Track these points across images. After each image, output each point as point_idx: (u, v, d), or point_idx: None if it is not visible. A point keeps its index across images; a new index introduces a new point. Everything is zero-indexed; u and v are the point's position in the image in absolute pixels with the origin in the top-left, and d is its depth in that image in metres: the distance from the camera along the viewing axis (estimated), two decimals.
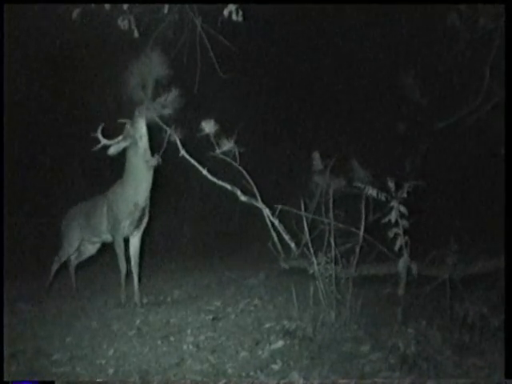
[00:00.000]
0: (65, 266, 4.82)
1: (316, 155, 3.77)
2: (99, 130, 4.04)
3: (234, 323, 3.62)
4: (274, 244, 4.02)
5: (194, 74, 4.24)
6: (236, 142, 3.90)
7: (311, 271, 3.47)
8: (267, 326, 3.47)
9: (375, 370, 2.73)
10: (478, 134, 4.70)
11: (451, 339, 2.94)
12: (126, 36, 3.59)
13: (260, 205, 3.98)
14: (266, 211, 3.95)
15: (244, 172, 3.98)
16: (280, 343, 3.15)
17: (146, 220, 4.33)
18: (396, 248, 3.16)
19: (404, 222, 3.14)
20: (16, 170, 5.73)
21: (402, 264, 3.20)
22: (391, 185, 3.18)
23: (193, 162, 4.04)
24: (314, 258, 3.44)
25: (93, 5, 3.38)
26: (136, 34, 3.60)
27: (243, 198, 4.01)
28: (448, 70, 4.82)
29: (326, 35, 5.74)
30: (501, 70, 3.31)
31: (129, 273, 4.34)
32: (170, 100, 3.99)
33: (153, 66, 3.94)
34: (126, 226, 4.26)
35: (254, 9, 3.64)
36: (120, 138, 4.10)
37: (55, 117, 6.56)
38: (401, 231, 3.13)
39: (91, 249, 4.84)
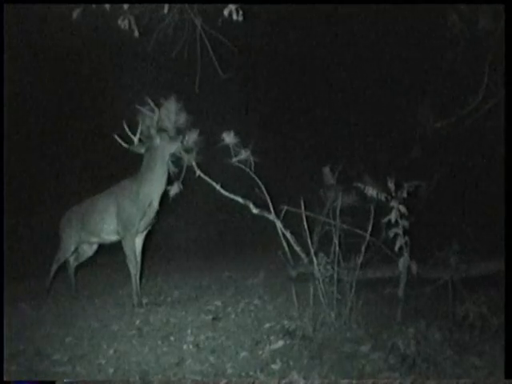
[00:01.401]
0: (64, 267, 4.81)
1: (326, 170, 3.80)
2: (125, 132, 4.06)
3: (234, 323, 3.62)
4: (284, 253, 4.04)
5: (194, 73, 4.24)
6: (252, 152, 3.98)
7: (316, 275, 3.47)
8: (267, 325, 3.47)
9: (375, 369, 2.73)
10: (477, 133, 4.70)
11: (451, 339, 2.94)
12: (126, 36, 3.59)
13: (272, 217, 4.01)
14: (278, 223, 3.98)
15: (258, 181, 4.00)
16: (280, 343, 3.15)
17: (154, 220, 4.34)
18: (396, 248, 3.16)
19: (404, 222, 3.14)
20: (16, 170, 5.72)
21: (402, 264, 3.20)
22: (391, 185, 3.18)
23: (208, 180, 4.11)
24: (315, 264, 3.44)
25: (93, 5, 3.38)
26: (136, 34, 3.60)
27: (255, 210, 4.06)
28: (448, 70, 4.81)
29: (325, 35, 5.75)
30: (500, 70, 3.31)
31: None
32: (191, 143, 4.09)
33: (170, 113, 4.04)
34: (140, 226, 4.25)
35: (254, 9, 3.64)
36: (138, 144, 4.13)
37: (55, 116, 6.56)
38: (401, 231, 3.13)
39: (89, 250, 4.83)
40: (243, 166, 3.99)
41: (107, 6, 3.34)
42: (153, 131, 4.11)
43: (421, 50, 5.14)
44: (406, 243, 3.15)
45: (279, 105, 6.67)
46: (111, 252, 4.86)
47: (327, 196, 3.80)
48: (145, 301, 4.31)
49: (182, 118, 4.12)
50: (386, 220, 3.17)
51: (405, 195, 3.16)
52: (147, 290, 4.68)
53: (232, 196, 4.10)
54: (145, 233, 4.40)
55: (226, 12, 3.31)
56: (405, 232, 3.14)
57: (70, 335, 3.54)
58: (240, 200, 4.09)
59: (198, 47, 4.06)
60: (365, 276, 3.65)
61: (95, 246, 4.82)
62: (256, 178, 4.01)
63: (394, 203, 3.15)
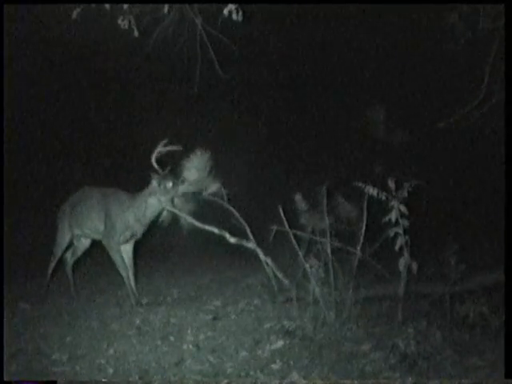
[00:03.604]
0: (62, 265, 4.80)
1: (298, 197, 3.76)
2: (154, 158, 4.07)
3: (234, 323, 3.62)
4: (268, 279, 3.99)
5: (194, 73, 4.24)
6: (223, 184, 4.00)
7: (309, 298, 3.47)
8: (267, 326, 3.47)
9: (375, 369, 2.73)
10: (477, 133, 4.70)
11: (451, 339, 2.94)
12: (126, 36, 3.59)
13: (251, 245, 3.94)
14: (259, 251, 3.92)
15: (234, 211, 3.99)
16: (280, 343, 3.15)
17: (143, 232, 4.35)
18: (396, 248, 3.15)
19: (404, 222, 3.14)
20: (16, 170, 5.73)
21: (402, 263, 3.19)
22: (391, 185, 3.18)
23: (177, 212, 4.13)
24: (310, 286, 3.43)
25: (93, 5, 3.37)
26: (136, 34, 3.60)
27: (232, 240, 3.99)
28: (448, 69, 4.82)
29: (325, 35, 5.75)
30: (501, 70, 3.31)
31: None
32: (180, 193, 4.12)
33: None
34: (120, 240, 4.29)
35: (254, 9, 3.64)
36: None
37: (55, 116, 6.56)
38: (401, 231, 3.13)
39: (85, 243, 4.80)
40: (216, 199, 4.00)
41: (107, 6, 3.34)
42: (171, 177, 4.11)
43: (421, 50, 5.15)
44: (406, 243, 3.14)
45: (276, 105, 6.67)
46: None
47: (306, 221, 3.74)
48: (145, 301, 4.31)
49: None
50: (386, 219, 3.17)
51: (405, 195, 3.16)
52: (147, 290, 4.67)
53: (206, 227, 4.07)
54: (134, 240, 4.39)
55: (225, 12, 3.31)
56: (405, 231, 3.14)
57: (70, 335, 3.54)
58: (215, 230, 4.05)
59: (197, 47, 4.06)
60: (358, 295, 3.59)
61: (89, 240, 4.80)
62: (231, 208, 3.99)
63: (394, 202, 3.15)
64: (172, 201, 4.15)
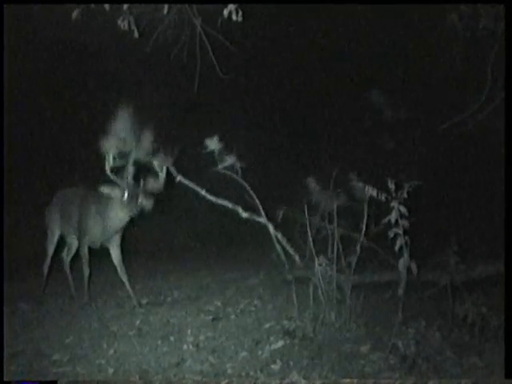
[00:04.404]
0: (60, 265, 4.80)
1: (310, 180, 3.77)
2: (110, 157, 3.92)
3: (234, 323, 3.62)
4: (278, 256, 4.01)
5: (194, 73, 4.24)
6: (238, 157, 3.92)
7: (315, 279, 3.47)
8: (267, 325, 3.47)
9: (375, 370, 2.73)
10: (478, 134, 4.69)
11: (451, 339, 2.95)
12: (126, 36, 3.59)
13: (263, 220, 3.97)
14: (270, 226, 3.94)
15: (247, 186, 3.98)
16: (280, 343, 3.15)
17: (118, 236, 4.28)
18: (396, 248, 3.15)
19: (404, 222, 3.13)
20: (16, 170, 5.73)
21: (402, 264, 3.19)
22: (391, 185, 3.18)
23: (191, 185, 4.05)
24: (316, 267, 3.43)
25: (93, 5, 3.38)
26: (136, 34, 3.60)
27: (245, 214, 4.01)
28: (448, 70, 4.82)
29: (325, 36, 5.75)
30: (501, 71, 3.31)
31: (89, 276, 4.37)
32: (158, 167, 3.94)
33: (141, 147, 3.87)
34: (90, 240, 4.29)
35: (254, 9, 3.64)
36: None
37: (54, 116, 6.56)
38: (401, 231, 3.13)
39: (76, 241, 4.80)
40: (230, 173, 3.95)
41: (107, 6, 3.35)
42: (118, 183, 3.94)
43: (421, 51, 5.15)
44: (406, 243, 3.14)
45: (276, 105, 6.67)
46: (110, 252, 4.85)
47: (317, 202, 3.76)
48: (144, 301, 4.31)
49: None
50: (386, 220, 3.17)
51: (405, 195, 3.16)
52: (147, 290, 4.67)
53: (220, 201, 4.05)
54: (118, 244, 4.33)
55: (225, 12, 3.31)
56: (405, 232, 3.14)
57: (70, 335, 3.54)
58: (229, 205, 4.04)
59: (197, 47, 4.06)
60: (362, 280, 3.62)
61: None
62: (244, 183, 3.96)
63: (394, 203, 3.14)
64: (136, 203, 3.91)
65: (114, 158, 3.90)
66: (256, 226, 4.12)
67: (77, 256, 4.85)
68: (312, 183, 3.76)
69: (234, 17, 3.31)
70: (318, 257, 3.46)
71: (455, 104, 4.48)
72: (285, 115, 6.72)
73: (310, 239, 3.58)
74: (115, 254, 4.35)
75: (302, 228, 3.74)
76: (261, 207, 3.98)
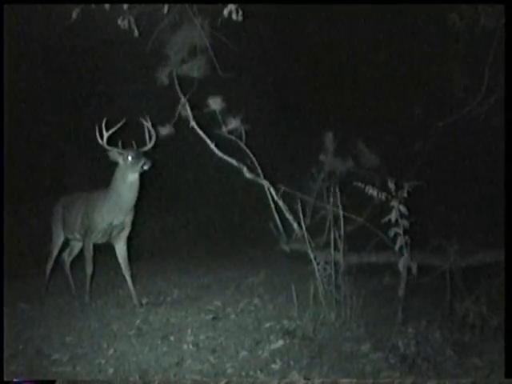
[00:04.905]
0: (61, 265, 4.81)
1: (329, 136, 3.72)
2: (103, 126, 4.00)
3: (234, 323, 3.62)
4: (275, 226, 3.96)
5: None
6: (242, 121, 3.86)
7: (312, 255, 3.43)
8: (267, 325, 3.47)
9: (375, 369, 2.73)
10: (477, 132, 4.70)
11: (451, 339, 2.94)
12: (126, 36, 3.59)
13: (264, 182, 3.90)
14: (270, 189, 3.87)
15: (249, 152, 3.91)
16: (280, 343, 3.15)
17: (126, 231, 4.30)
18: (396, 248, 3.15)
19: (404, 222, 3.14)
20: (16, 170, 5.72)
21: (402, 264, 3.19)
22: (391, 185, 3.18)
23: (202, 134, 3.97)
24: (312, 244, 3.40)
25: (93, 5, 3.38)
26: (136, 34, 3.60)
27: (248, 175, 3.95)
28: (448, 69, 4.81)
29: (325, 35, 5.74)
30: (501, 70, 3.31)
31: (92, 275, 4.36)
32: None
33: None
34: (97, 237, 4.29)
35: (254, 9, 3.63)
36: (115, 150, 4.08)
37: (55, 116, 6.55)
38: (401, 231, 3.13)
39: (79, 243, 4.82)
40: (233, 137, 3.89)
41: (107, 6, 3.35)
42: (118, 150, 4.03)
43: (421, 50, 5.14)
44: (406, 243, 3.14)
45: (276, 105, 6.66)
46: (111, 252, 4.85)
47: (323, 163, 3.71)
48: (144, 301, 4.31)
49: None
50: (386, 220, 3.17)
51: (405, 195, 3.16)
52: (147, 290, 4.67)
53: (226, 157, 3.98)
54: (124, 240, 4.34)
55: (225, 12, 3.32)
56: (405, 232, 3.14)
57: (70, 335, 3.55)
58: (234, 162, 3.97)
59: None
60: (360, 260, 3.59)
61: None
62: (247, 150, 3.91)
63: (394, 203, 3.15)
64: (140, 160, 3.98)
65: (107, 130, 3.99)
66: (257, 224, 4.11)
67: (77, 257, 4.88)
68: (329, 140, 3.70)
69: (234, 17, 3.32)
70: (315, 236, 3.43)
71: (454, 103, 4.48)
72: (285, 115, 6.71)
73: (309, 214, 3.55)
74: (121, 250, 4.36)
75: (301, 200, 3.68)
76: (261, 174, 3.93)
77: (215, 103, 3.83)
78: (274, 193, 3.89)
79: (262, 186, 3.96)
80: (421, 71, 5.29)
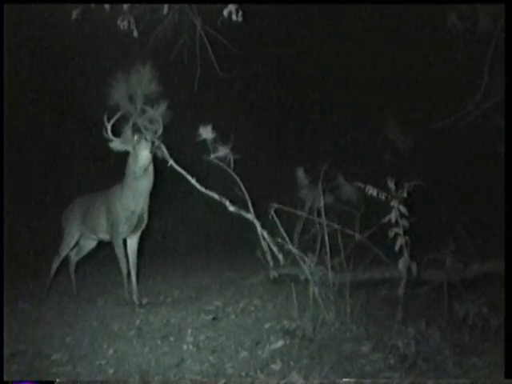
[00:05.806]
0: (65, 264, 4.81)
1: (300, 171, 3.73)
2: (105, 119, 4.04)
3: (234, 323, 3.62)
4: (263, 253, 3.99)
5: (194, 73, 4.24)
6: (232, 149, 3.89)
7: (302, 277, 3.47)
8: (267, 326, 3.47)
9: (375, 370, 2.73)
10: (477, 133, 4.70)
11: (451, 339, 2.94)
12: (126, 36, 3.59)
13: (250, 216, 3.94)
14: (256, 222, 3.92)
15: (237, 179, 3.94)
16: (280, 343, 3.15)
17: (144, 224, 4.34)
18: (396, 248, 3.15)
19: (404, 222, 3.13)
20: (16, 170, 5.72)
21: (402, 264, 3.19)
22: (391, 185, 3.18)
23: (181, 171, 4.05)
24: (304, 264, 3.44)
25: (93, 5, 3.38)
26: (136, 34, 3.60)
27: (232, 208, 3.99)
28: (448, 69, 4.82)
29: (324, 35, 5.74)
30: (500, 70, 3.31)
31: (128, 273, 4.35)
32: (158, 115, 3.99)
33: (143, 80, 3.93)
34: (124, 230, 4.28)
35: (254, 9, 3.64)
36: (120, 139, 4.09)
37: (55, 116, 6.56)
38: (401, 231, 3.13)
39: (90, 244, 4.83)
40: (222, 164, 3.90)
41: (107, 6, 3.35)
42: (129, 133, 4.03)
43: (420, 50, 5.14)
44: (406, 243, 3.14)
45: (276, 105, 6.66)
46: (112, 251, 4.86)
47: (305, 197, 3.73)
48: (145, 301, 4.32)
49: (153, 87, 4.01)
50: (385, 220, 3.16)
51: (405, 195, 3.16)
52: (147, 290, 4.68)
53: (208, 192, 4.02)
54: (138, 234, 4.38)
55: (225, 12, 3.32)
56: (405, 232, 3.14)
57: (70, 335, 3.55)
58: (216, 197, 4.01)
59: (197, 47, 4.07)
60: (355, 278, 3.60)
61: (96, 242, 4.81)
62: (235, 176, 3.92)
63: (394, 203, 3.14)
64: (153, 152, 4.01)
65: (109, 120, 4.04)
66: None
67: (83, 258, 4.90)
68: (301, 176, 3.71)
69: (234, 17, 3.31)
70: (306, 254, 3.45)
71: (454, 103, 4.48)
72: (284, 115, 6.71)
73: (296, 236, 3.57)
74: (133, 244, 4.38)
75: (291, 224, 3.71)
76: (250, 202, 3.95)
77: (206, 132, 3.85)
78: (259, 225, 3.92)
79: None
80: (419, 72, 5.29)
